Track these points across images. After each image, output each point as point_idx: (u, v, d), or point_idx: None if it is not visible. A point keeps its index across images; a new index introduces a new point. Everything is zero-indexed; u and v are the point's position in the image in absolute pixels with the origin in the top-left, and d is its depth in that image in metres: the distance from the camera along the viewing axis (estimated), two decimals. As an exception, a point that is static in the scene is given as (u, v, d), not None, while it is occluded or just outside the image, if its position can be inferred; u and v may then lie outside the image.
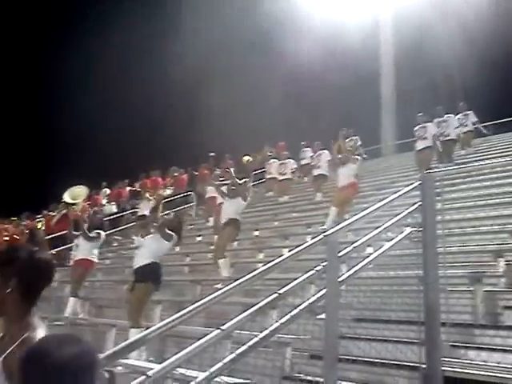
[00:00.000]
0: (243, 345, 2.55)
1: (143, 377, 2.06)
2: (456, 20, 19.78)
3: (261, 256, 8.76)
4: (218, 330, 2.40)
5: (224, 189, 9.74)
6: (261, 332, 2.61)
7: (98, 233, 8.78)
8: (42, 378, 1.40)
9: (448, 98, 16.67)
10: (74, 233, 9.11)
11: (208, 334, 2.43)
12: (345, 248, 3.11)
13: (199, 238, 12.12)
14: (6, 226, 14.04)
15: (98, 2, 24.03)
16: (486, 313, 4.62)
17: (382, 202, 3.63)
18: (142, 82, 23.74)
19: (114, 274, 10.56)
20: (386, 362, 3.50)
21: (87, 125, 21.92)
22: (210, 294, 7.20)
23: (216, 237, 10.27)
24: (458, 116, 14.02)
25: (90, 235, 8.63)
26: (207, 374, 2.34)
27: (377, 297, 3.67)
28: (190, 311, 2.43)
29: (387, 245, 3.68)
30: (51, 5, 24.00)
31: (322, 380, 3.62)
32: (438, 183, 4.07)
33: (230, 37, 22.34)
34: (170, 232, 6.29)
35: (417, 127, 12.21)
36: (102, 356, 2.00)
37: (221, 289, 2.83)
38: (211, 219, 12.51)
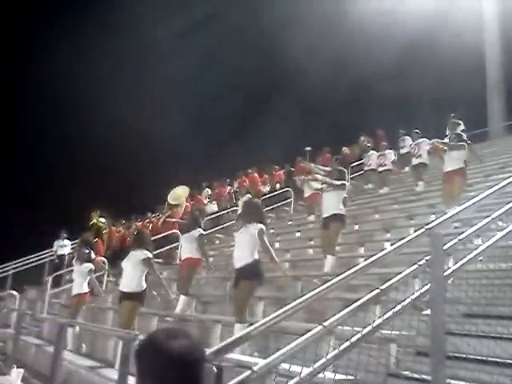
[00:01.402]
0: (346, 341, 2.52)
1: (249, 371, 2.11)
2: None
3: (362, 250, 8.59)
4: (321, 326, 2.39)
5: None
6: (364, 328, 2.56)
7: (199, 231, 8.95)
8: (153, 368, 1.48)
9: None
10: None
11: (309, 330, 2.43)
12: (450, 240, 2.96)
13: (298, 234, 12.15)
14: (118, 227, 15.07)
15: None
16: None
17: (492, 190, 3.40)
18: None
19: (218, 271, 10.88)
20: (500, 360, 3.28)
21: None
22: (311, 290, 7.19)
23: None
24: None
25: (192, 233, 8.86)
26: (311, 369, 2.34)
27: (487, 291, 3.45)
28: (293, 307, 2.44)
29: (498, 235, 3.45)
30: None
31: (429, 378, 3.49)
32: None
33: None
34: (255, 218, 6.26)
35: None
36: (210, 350, 2.09)
37: (321, 285, 2.81)
38: (312, 216, 12.52)
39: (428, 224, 2.99)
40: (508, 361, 3.28)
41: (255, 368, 2.13)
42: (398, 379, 3.95)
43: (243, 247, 6.16)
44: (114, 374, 5.78)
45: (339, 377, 3.80)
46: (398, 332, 4.11)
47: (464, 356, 3.10)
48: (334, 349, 2.54)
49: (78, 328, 8.56)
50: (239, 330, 5.51)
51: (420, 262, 2.88)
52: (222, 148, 23.49)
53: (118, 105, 23.73)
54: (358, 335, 2.56)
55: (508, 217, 3.47)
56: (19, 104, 24.85)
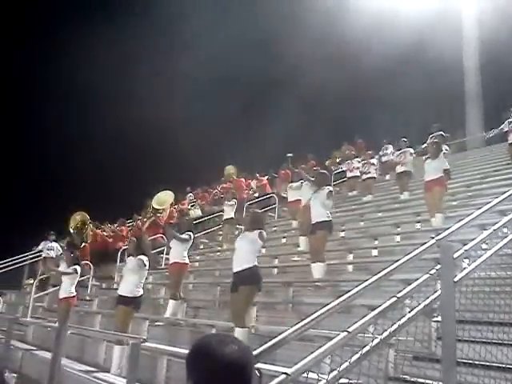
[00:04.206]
0: (365, 346, 2.62)
1: (284, 375, 2.19)
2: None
3: (350, 257, 8.73)
4: (345, 333, 2.48)
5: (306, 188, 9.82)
6: (382, 333, 2.67)
7: (189, 235, 9.06)
8: (206, 375, 1.52)
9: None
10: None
11: (332, 337, 2.53)
12: (459, 249, 3.10)
13: (284, 240, 12.26)
14: (101, 230, 14.95)
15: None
16: None
17: (494, 202, 3.57)
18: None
19: (206, 276, 10.92)
20: (503, 365, 3.44)
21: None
22: (303, 296, 7.25)
23: (302, 238, 10.37)
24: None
25: (182, 237, 8.94)
26: (335, 373, 2.44)
27: (490, 298, 3.61)
28: (322, 314, 2.53)
29: (497, 245, 3.61)
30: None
31: (428, 381, 3.62)
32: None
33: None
34: (257, 228, 6.43)
35: (509, 119, 11.67)
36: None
37: (346, 292, 2.91)
38: (295, 222, 12.65)
39: (437, 235, 3.13)
40: (495, 364, 3.44)
41: (289, 371, 2.22)
42: (398, 383, 4.07)
43: (243, 252, 6.25)
44: (111, 378, 5.79)
45: (342, 381, 3.92)
46: (395, 337, 4.26)
47: (470, 361, 3.23)
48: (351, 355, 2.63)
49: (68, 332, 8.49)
50: (240, 335, 5.59)
51: (431, 272, 3.00)
52: (218, 147, 23.48)
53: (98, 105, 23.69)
54: (377, 340, 2.66)
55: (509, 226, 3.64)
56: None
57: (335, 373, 2.44)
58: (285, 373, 2.22)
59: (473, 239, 3.25)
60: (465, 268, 3.25)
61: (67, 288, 8.96)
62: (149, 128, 22.59)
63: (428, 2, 20.69)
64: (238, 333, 5.69)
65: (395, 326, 2.74)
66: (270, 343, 2.35)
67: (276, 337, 2.40)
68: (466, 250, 3.18)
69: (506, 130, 11.78)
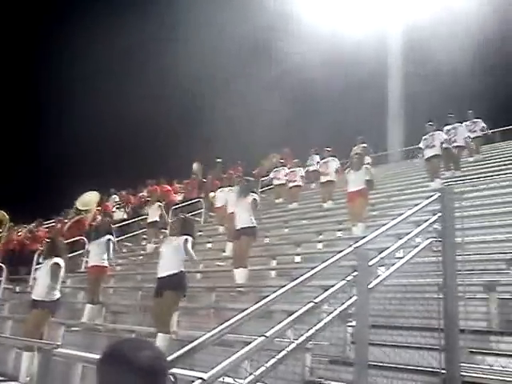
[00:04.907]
0: (281, 350, 2.66)
1: (199, 380, 2.18)
2: (463, 25, 19.95)
3: (274, 263, 8.86)
4: (263, 337, 2.51)
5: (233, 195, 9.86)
6: (298, 338, 2.73)
7: (109, 238, 8.84)
8: (117, 379, 1.49)
9: (455, 105, 16.83)
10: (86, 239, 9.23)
11: (250, 341, 2.55)
12: (374, 257, 3.24)
13: (209, 245, 12.23)
14: (18, 231, 14.21)
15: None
16: (502, 320, 4.73)
17: (407, 213, 3.76)
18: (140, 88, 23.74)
19: (127, 281, 10.67)
20: (410, 367, 3.62)
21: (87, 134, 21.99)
22: (226, 301, 7.26)
23: (229, 244, 10.38)
24: (466, 123, 14.22)
25: (101, 240, 8.71)
26: (251, 377, 2.46)
27: (400, 304, 3.80)
28: (240, 319, 2.54)
29: (410, 254, 3.80)
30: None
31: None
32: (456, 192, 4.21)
33: (229, 43, 22.50)
34: (186, 233, 6.37)
35: (425, 136, 12.33)
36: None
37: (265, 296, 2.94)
38: (221, 227, 12.66)
39: (356, 242, 3.25)
40: (415, 367, 3.64)
41: (205, 376, 2.21)
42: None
43: (169, 257, 6.17)
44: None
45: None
46: (312, 342, 4.37)
47: (381, 364, 3.38)
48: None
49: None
50: (163, 341, 5.50)
51: (348, 278, 3.11)
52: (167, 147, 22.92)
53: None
54: (293, 345, 2.72)
55: (424, 234, 3.85)
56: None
57: (252, 377, 2.46)
58: (200, 378, 2.21)
59: (387, 248, 3.40)
60: (379, 275, 3.39)
61: (99, 256, 8.43)
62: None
63: (354, 19, 21.49)
64: (161, 338, 5.61)
65: (312, 331, 2.81)
66: (187, 348, 2.34)
67: (193, 342, 2.38)
68: (381, 258, 3.32)
69: (422, 146, 12.45)
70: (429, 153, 12.13)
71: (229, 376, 2.34)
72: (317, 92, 22.80)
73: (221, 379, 2.29)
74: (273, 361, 2.55)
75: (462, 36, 19.81)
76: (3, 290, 11.41)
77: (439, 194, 4.12)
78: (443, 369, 3.45)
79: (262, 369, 2.52)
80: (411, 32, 20.97)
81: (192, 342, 2.60)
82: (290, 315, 2.89)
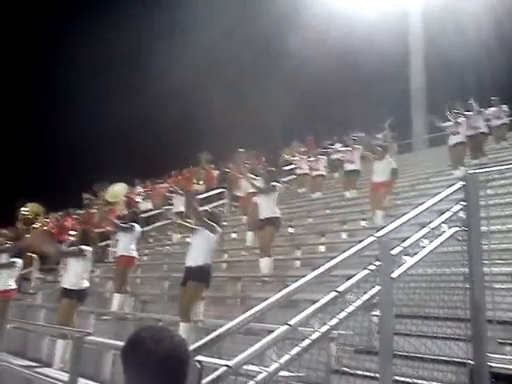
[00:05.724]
0: (304, 339, 2.71)
1: (225, 367, 2.25)
2: (486, 13, 19.48)
3: (298, 253, 8.90)
4: (286, 326, 2.57)
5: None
6: (321, 327, 2.78)
7: (132, 225, 8.97)
8: (141, 369, 1.52)
9: (478, 91, 16.48)
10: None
11: (274, 330, 2.61)
12: (396, 246, 3.25)
13: (234, 235, 12.33)
14: (48, 219, 14.56)
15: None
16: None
17: (430, 202, 3.75)
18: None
19: (154, 271, 10.86)
20: (436, 357, 3.63)
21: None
22: (251, 290, 7.35)
23: (250, 233, 10.47)
24: (492, 109, 13.95)
25: (125, 226, 8.84)
26: (276, 365, 2.52)
27: (425, 294, 3.81)
28: (263, 308, 2.60)
29: (434, 243, 3.79)
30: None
31: (372, 374, 3.78)
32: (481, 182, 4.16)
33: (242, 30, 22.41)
34: (212, 223, 6.48)
35: (449, 122, 12.15)
36: (192, 347, 2.20)
37: (286, 286, 2.99)
38: (245, 217, 12.74)
39: (377, 232, 3.27)
40: (442, 358, 3.64)
41: (230, 363, 2.28)
42: (340, 375, 4.23)
43: (197, 249, 6.29)
44: (53, 373, 5.69)
45: (284, 373, 4.03)
46: (337, 331, 4.42)
47: (406, 354, 3.40)
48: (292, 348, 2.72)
49: (8, 326, 8.24)
50: (185, 329, 5.62)
51: (370, 267, 3.14)
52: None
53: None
54: (317, 334, 2.77)
55: (448, 223, 3.83)
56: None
57: (276, 365, 2.52)
58: (226, 365, 2.28)
59: (409, 237, 3.41)
60: (403, 264, 3.41)
61: (4, 281, 8.65)
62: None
63: (374, 4, 21.16)
64: (183, 327, 5.73)
65: (336, 320, 2.85)
66: (211, 336, 2.41)
67: (217, 330, 2.45)
68: (404, 248, 3.33)
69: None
70: (453, 140, 11.97)
71: (254, 364, 2.40)
72: (338, 81, 22.56)
73: (245, 367, 2.35)
74: (297, 349, 2.61)
75: (485, 21, 19.34)
76: (35, 279, 11.76)
77: (463, 183, 4.10)
78: (470, 359, 3.44)
79: (287, 357, 2.57)
80: (432, 18, 20.57)
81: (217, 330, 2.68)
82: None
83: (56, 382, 5.06)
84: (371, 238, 3.24)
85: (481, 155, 12.28)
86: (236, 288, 7.70)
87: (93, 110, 23.43)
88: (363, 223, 9.64)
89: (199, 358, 2.25)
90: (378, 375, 3.03)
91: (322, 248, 8.89)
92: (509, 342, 3.99)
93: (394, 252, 3.20)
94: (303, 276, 3.13)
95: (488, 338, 3.54)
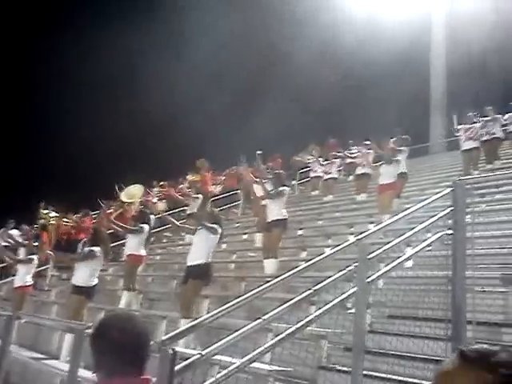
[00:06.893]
0: (278, 335, 2.90)
1: (198, 355, 2.45)
2: (511, 18, 19.27)
3: (304, 255, 9.05)
4: (260, 320, 2.76)
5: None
6: (297, 323, 2.96)
7: (141, 226, 9.18)
8: (103, 352, 1.73)
9: (499, 96, 16.35)
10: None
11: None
12: (376, 250, 3.41)
13: (245, 237, 12.52)
14: (65, 221, 14.94)
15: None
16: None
17: (414, 208, 3.90)
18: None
19: (165, 270, 11.12)
20: (414, 355, 3.78)
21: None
22: (254, 290, 7.52)
23: (259, 235, 10.64)
24: (508, 115, 13.87)
25: (133, 228, 9.10)
26: (248, 357, 2.71)
27: (406, 295, 3.95)
28: (234, 305, 2.80)
29: (417, 247, 3.94)
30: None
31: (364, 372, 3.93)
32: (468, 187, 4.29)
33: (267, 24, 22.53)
34: (213, 225, 6.68)
35: (465, 126, 12.15)
36: (166, 337, 2.43)
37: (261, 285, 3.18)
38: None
39: (360, 234, 3.44)
40: (420, 356, 3.79)
41: (203, 352, 2.48)
42: (327, 371, 4.39)
43: (196, 249, 6.51)
44: (58, 364, 5.97)
45: (274, 368, 4.22)
46: (328, 330, 4.59)
47: (384, 352, 3.56)
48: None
49: (22, 321, 8.58)
50: (185, 325, 5.84)
51: (349, 268, 3.31)
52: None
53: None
54: (292, 329, 2.95)
55: (434, 229, 3.97)
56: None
57: (248, 356, 2.72)
58: (199, 353, 2.48)
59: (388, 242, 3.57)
60: (381, 269, 3.57)
61: (22, 277, 9.01)
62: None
63: (396, 6, 21.15)
64: (183, 323, 5.94)
65: (311, 317, 3.03)
66: (184, 327, 2.63)
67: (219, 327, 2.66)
68: (381, 252, 3.49)
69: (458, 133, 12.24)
70: (468, 145, 11.98)
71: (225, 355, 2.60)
72: (358, 85, 22.58)
73: (219, 357, 2.55)
74: (270, 343, 2.79)
75: (510, 26, 19.14)
76: (51, 276, 12.12)
77: (451, 189, 4.23)
78: (448, 358, 3.57)
79: (260, 349, 2.76)
80: (455, 22, 20.46)
81: (222, 328, 2.87)
82: (313, 304, 3.07)
83: (61, 372, 5.33)
84: (351, 240, 3.41)
85: (495, 159, 12.26)
86: (240, 288, 7.89)
87: (118, 107, 23.70)
88: (370, 226, 9.73)
89: (174, 347, 2.45)
90: (367, 373, 3.22)
91: (327, 250, 8.99)
92: (487, 342, 4.10)
93: (371, 255, 3.36)
94: (306, 277, 3.29)
95: (467, 338, 3.67)
